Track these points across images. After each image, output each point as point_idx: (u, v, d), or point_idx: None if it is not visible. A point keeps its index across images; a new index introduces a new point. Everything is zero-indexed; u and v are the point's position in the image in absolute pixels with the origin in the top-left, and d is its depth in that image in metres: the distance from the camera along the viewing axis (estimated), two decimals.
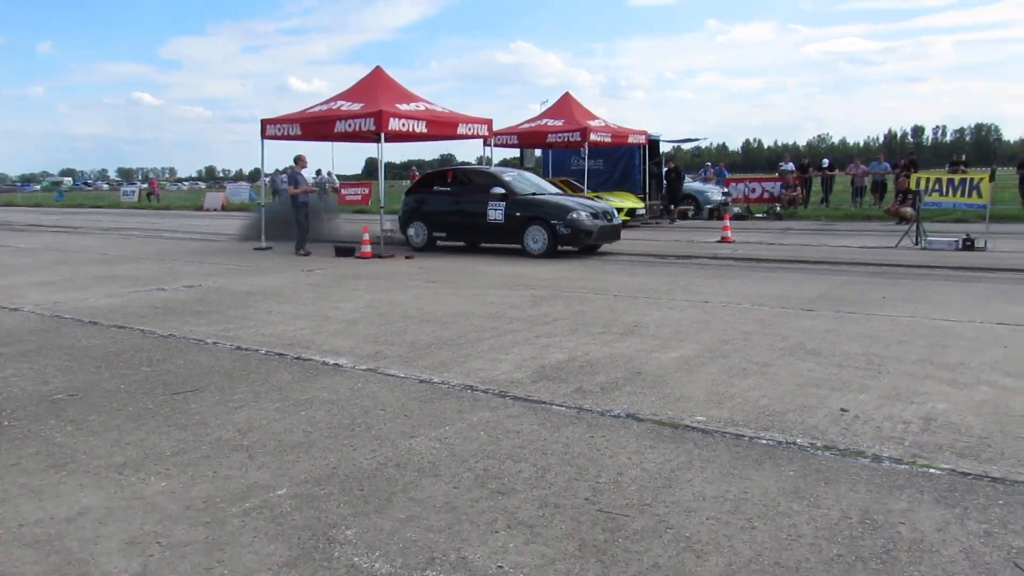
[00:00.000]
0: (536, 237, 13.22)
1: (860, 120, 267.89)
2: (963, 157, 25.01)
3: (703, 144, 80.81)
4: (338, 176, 31.61)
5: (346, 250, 14.02)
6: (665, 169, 22.84)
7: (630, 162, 21.97)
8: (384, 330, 7.10)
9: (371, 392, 5.08)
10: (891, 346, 6.16)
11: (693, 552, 2.90)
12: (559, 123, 19.09)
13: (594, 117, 19.92)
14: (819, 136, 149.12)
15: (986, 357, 5.74)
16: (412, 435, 4.24)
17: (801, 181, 24.91)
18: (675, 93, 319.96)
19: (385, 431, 4.31)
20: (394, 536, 3.06)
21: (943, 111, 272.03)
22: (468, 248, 14.62)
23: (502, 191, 13.53)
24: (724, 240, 15.21)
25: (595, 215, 13.28)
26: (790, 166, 25.58)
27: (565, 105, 19.96)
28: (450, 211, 14.31)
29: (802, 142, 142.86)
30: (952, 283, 9.62)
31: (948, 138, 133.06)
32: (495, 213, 13.55)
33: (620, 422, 4.41)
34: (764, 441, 4.05)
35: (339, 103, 15.02)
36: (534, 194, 13.95)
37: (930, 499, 3.31)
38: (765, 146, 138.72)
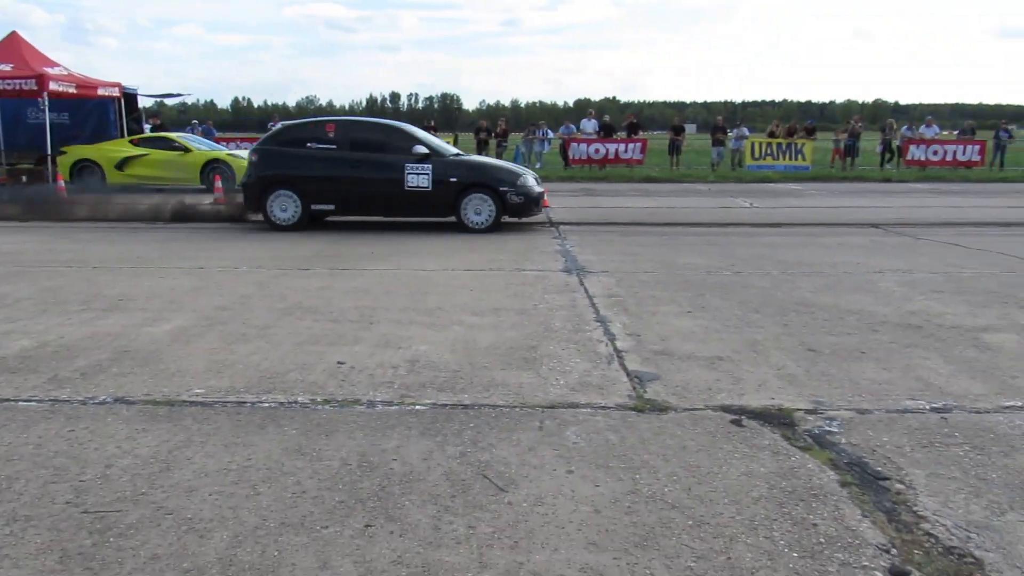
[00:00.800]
0: (480, 208, 10.97)
1: (344, 84, 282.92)
2: (433, 123, 28.18)
3: (189, 100, 76.69)
4: None
5: None
6: (148, 126, 21.11)
7: (104, 117, 19.72)
8: None
9: None
10: (380, 297, 6.67)
11: (196, 532, 2.76)
12: (7, 68, 16.06)
13: (54, 64, 17.28)
14: (307, 97, 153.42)
15: (457, 300, 6.59)
16: None
17: None
18: (153, 44, 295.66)
19: None
20: None
21: (415, 80, 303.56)
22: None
23: (425, 151, 10.93)
24: (218, 201, 14.67)
25: (537, 180, 11.53)
26: (279, 126, 25.75)
27: (13, 46, 16.87)
28: (342, 177, 11.04)
29: (292, 103, 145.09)
30: (417, 236, 10.70)
31: (420, 105, 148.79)
32: (418, 179, 10.86)
33: (107, 409, 3.97)
34: (267, 404, 4.05)
35: None
36: (458, 155, 11.73)
37: (417, 433, 3.68)
38: (255, 105, 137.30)
